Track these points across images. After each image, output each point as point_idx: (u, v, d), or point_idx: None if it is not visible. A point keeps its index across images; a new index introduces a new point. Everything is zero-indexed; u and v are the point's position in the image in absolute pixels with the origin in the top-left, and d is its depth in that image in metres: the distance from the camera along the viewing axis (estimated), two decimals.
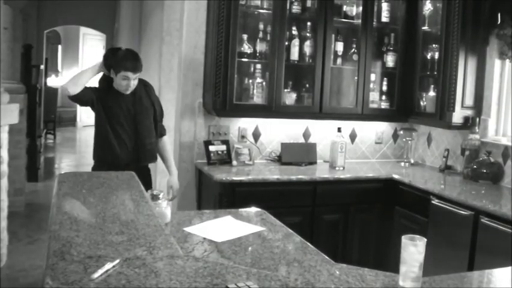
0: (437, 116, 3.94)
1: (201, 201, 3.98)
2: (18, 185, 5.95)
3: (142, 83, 3.38)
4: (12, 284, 4.05)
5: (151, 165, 3.69)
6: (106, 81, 3.34)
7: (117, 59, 3.21)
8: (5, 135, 4.36)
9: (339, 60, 4.15)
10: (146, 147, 3.35)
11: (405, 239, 1.57)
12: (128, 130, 3.30)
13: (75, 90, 3.20)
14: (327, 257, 1.93)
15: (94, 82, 3.39)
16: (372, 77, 4.25)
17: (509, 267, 1.79)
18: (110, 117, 3.27)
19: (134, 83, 3.23)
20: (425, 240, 1.57)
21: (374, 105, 4.26)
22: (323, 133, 4.31)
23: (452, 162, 4.12)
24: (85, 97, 3.28)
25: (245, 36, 3.85)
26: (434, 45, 4.06)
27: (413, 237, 1.58)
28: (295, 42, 3.97)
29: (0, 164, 4.30)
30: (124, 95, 3.26)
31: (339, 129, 4.08)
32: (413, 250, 1.55)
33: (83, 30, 13.91)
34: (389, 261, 3.48)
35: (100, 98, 3.29)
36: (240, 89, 3.92)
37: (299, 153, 4.11)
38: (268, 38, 3.88)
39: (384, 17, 4.22)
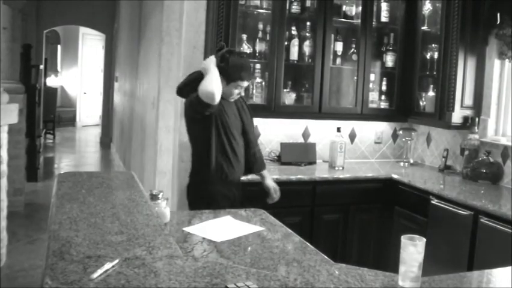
0: (437, 116, 3.94)
1: None
2: (18, 185, 5.95)
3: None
4: (12, 284, 4.05)
5: (151, 166, 3.68)
6: None
7: (235, 68, 2.93)
8: (4, 135, 4.36)
9: (338, 60, 4.15)
10: (257, 155, 3.19)
11: (404, 239, 1.57)
12: (239, 141, 3.06)
13: (219, 96, 2.82)
14: (326, 257, 1.93)
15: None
16: (372, 77, 4.26)
17: (509, 267, 1.80)
18: (223, 129, 2.96)
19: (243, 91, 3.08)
20: (425, 240, 1.57)
21: (374, 105, 4.27)
22: (322, 133, 4.31)
23: (451, 162, 4.12)
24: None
25: (244, 36, 3.85)
26: (433, 45, 4.06)
27: (412, 237, 1.58)
28: (295, 42, 3.97)
29: (0, 163, 4.30)
30: (229, 102, 3.02)
31: (338, 129, 4.07)
32: (413, 250, 1.55)
33: (83, 30, 13.91)
34: (389, 261, 3.48)
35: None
36: None
37: (298, 153, 4.11)
38: (268, 38, 3.88)
39: (384, 17, 4.22)
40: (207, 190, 3.00)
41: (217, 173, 2.98)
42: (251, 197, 3.37)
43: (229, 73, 2.91)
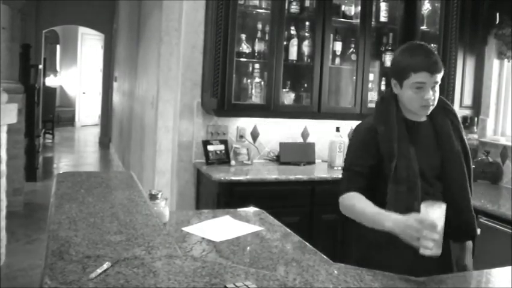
0: None
1: (199, 201, 3.98)
2: (17, 185, 5.95)
3: (442, 107, 2.10)
4: (11, 284, 4.05)
5: (150, 166, 3.61)
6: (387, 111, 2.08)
7: (401, 57, 2.05)
8: (3, 135, 4.35)
9: (337, 60, 4.15)
10: (461, 213, 2.07)
11: (424, 206, 1.58)
12: (429, 185, 2.03)
13: None
14: (325, 257, 1.93)
15: None
16: (371, 76, 4.25)
17: (509, 267, 1.80)
18: (400, 166, 1.97)
19: (434, 96, 1.99)
20: (445, 206, 1.58)
21: (373, 105, 4.24)
22: (321, 133, 4.31)
23: None
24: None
25: (243, 36, 3.85)
26: (432, 45, 4.05)
27: (432, 203, 1.57)
28: (294, 42, 3.97)
29: None
30: (419, 126, 2.06)
31: (337, 129, 4.08)
32: (433, 216, 1.56)
33: (82, 30, 13.91)
34: None
35: (381, 143, 2.02)
36: (238, 88, 3.92)
37: (297, 153, 4.11)
38: (267, 37, 3.88)
39: (383, 17, 4.22)
40: (369, 256, 2.07)
41: (383, 234, 1.88)
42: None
43: (395, 68, 2.06)
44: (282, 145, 4.10)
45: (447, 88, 3.82)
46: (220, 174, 3.51)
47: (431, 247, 1.65)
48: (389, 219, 1.81)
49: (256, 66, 3.92)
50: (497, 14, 3.69)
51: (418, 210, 1.73)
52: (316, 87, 3.99)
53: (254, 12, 3.93)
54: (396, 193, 1.97)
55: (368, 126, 2.11)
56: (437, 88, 1.99)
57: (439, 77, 1.97)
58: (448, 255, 2.04)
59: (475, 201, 3.05)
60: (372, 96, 4.26)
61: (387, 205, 1.95)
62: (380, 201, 1.96)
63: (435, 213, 1.56)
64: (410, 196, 1.96)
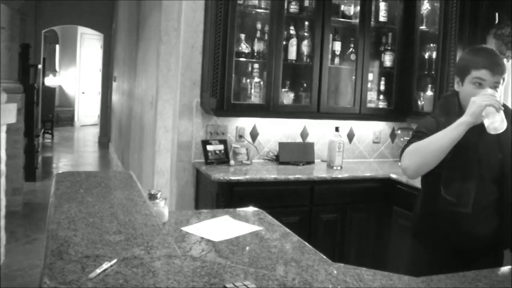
0: None
1: (198, 201, 3.98)
2: (16, 185, 5.95)
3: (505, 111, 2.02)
4: (10, 284, 4.05)
5: (149, 166, 3.61)
6: (450, 106, 2.19)
7: (462, 55, 2.21)
8: (3, 134, 4.35)
9: (336, 60, 4.15)
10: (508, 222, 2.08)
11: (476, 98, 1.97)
12: (489, 191, 2.07)
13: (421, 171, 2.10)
14: (324, 257, 1.93)
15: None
16: (370, 76, 4.25)
17: (509, 267, 1.80)
18: (456, 166, 2.04)
19: (496, 96, 2.00)
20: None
21: (372, 105, 4.27)
22: (321, 133, 4.31)
23: None
24: None
25: (243, 36, 3.85)
26: (431, 45, 4.06)
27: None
28: (293, 41, 3.97)
29: None
30: (480, 125, 1.99)
31: (336, 129, 4.08)
32: (487, 91, 1.94)
33: (81, 29, 13.92)
34: (387, 261, 3.48)
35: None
36: (237, 88, 3.92)
37: (297, 153, 4.11)
38: (266, 37, 3.88)
39: (382, 17, 4.22)
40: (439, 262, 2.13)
41: (441, 235, 2.13)
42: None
43: (458, 65, 2.17)
44: (281, 145, 4.10)
45: (446, 88, 3.82)
46: (220, 174, 3.51)
47: (499, 123, 1.91)
48: (460, 119, 1.97)
49: (256, 66, 3.92)
50: (497, 14, 3.69)
51: (469, 199, 2.00)
52: (315, 87, 3.99)
53: (253, 12, 3.93)
54: (451, 179, 2.07)
55: (432, 116, 2.26)
56: (498, 90, 2.06)
57: (501, 79, 2.05)
58: (500, 262, 2.15)
59: None
60: (372, 96, 4.27)
61: (441, 189, 2.07)
62: (432, 185, 2.12)
63: (487, 90, 1.94)
64: (463, 184, 2.06)
